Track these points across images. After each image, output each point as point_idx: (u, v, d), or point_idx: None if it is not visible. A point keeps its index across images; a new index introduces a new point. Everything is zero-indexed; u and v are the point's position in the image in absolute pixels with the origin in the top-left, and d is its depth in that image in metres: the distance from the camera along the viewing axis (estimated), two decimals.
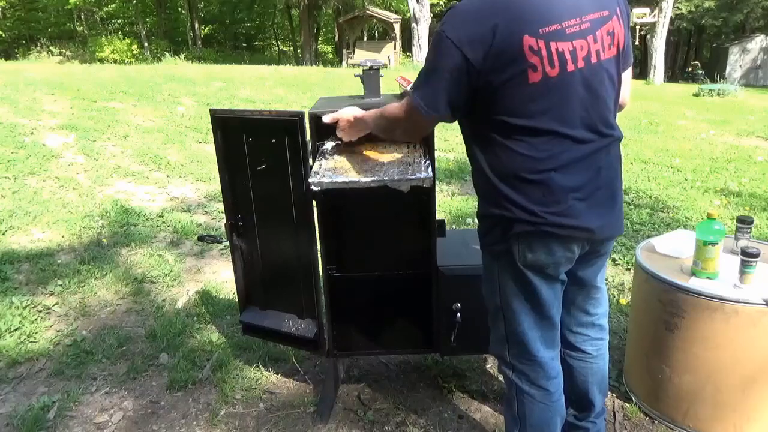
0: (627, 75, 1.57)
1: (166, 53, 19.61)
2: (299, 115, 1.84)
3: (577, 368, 1.77)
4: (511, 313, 1.54)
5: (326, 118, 1.80)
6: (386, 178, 1.69)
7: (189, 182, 5.42)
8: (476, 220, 1.60)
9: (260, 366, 2.55)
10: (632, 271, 2.83)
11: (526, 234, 1.42)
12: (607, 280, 3.37)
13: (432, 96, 1.39)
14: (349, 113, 1.76)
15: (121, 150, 6.09)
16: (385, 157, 1.84)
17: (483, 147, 1.44)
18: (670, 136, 7.86)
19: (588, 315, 1.73)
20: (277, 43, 35.91)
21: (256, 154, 2.03)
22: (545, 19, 1.31)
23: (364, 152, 1.90)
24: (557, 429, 1.67)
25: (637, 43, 22.70)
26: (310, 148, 1.92)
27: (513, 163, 1.39)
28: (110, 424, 2.23)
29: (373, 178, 1.70)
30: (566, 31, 1.33)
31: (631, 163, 6.21)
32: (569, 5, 1.35)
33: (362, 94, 2.15)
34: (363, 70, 2.11)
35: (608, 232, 1.51)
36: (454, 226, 4.28)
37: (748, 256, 1.89)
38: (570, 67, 1.34)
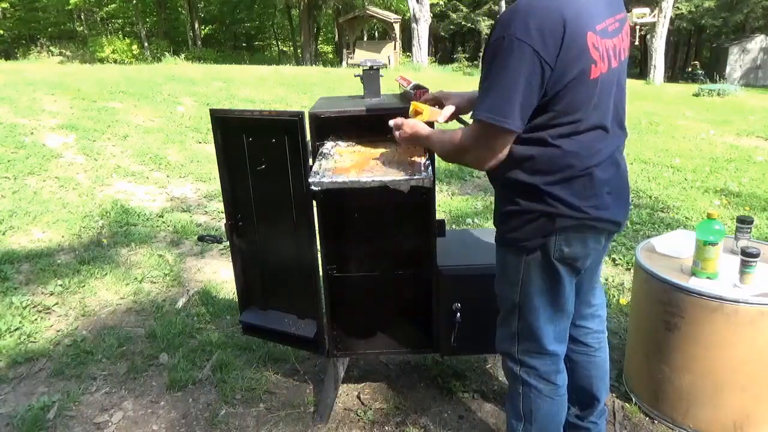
0: None
1: (166, 53, 19.59)
2: (299, 115, 1.84)
3: (581, 362, 1.79)
4: (531, 308, 1.55)
5: (391, 122, 1.70)
6: (386, 178, 1.69)
7: (189, 182, 5.42)
8: (493, 217, 1.58)
9: (260, 366, 2.55)
10: (632, 271, 2.83)
11: (567, 228, 1.43)
12: (606, 280, 3.37)
13: (509, 108, 1.31)
14: (413, 125, 1.65)
15: (121, 150, 6.09)
16: (386, 157, 1.84)
17: (526, 146, 1.41)
18: (670, 136, 7.86)
19: (589, 306, 1.76)
20: (277, 43, 35.91)
21: (256, 154, 2.03)
22: (598, 17, 1.35)
23: (364, 152, 1.89)
24: (561, 425, 1.69)
25: (637, 43, 22.69)
26: (310, 148, 1.92)
27: (561, 161, 1.39)
28: (110, 424, 2.23)
29: (373, 178, 1.70)
30: (608, 29, 1.37)
31: (631, 163, 6.21)
32: (606, 5, 1.40)
33: (362, 94, 2.15)
34: (363, 70, 2.11)
35: (626, 223, 1.59)
36: (454, 226, 4.28)
37: (748, 256, 1.89)
38: (613, 64, 1.39)
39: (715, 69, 20.92)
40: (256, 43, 35.64)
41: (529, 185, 1.43)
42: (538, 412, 1.63)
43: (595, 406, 1.84)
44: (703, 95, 13.03)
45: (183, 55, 20.06)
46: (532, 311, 1.55)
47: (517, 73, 1.28)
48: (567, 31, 1.27)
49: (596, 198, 1.42)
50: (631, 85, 17.01)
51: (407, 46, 23.50)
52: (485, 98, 1.35)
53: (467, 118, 1.65)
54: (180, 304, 3.17)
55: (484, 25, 27.68)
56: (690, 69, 25.42)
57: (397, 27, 21.74)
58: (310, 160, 1.89)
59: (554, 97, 1.33)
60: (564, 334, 1.63)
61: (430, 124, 1.70)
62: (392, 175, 1.70)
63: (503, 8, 23.09)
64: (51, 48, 26.35)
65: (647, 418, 2.19)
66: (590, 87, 1.34)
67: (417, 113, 1.69)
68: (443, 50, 33.84)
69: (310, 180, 1.72)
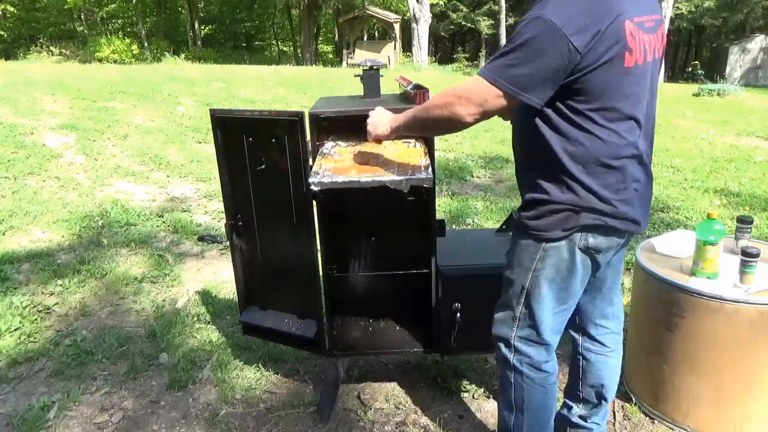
0: None
1: (166, 53, 19.59)
2: (299, 115, 1.84)
3: (595, 362, 1.80)
4: (538, 295, 1.56)
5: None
6: (386, 178, 1.69)
7: (189, 182, 5.41)
8: (521, 204, 1.55)
9: (260, 366, 2.55)
10: (632, 271, 2.83)
11: (589, 226, 1.46)
12: None
13: (525, 78, 1.32)
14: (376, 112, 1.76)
15: (121, 150, 6.09)
16: (386, 156, 1.84)
17: (561, 133, 1.41)
18: (670, 136, 7.85)
19: (611, 305, 1.78)
20: (277, 43, 35.88)
21: (256, 154, 2.03)
22: (637, 10, 1.37)
23: (364, 152, 1.89)
24: (553, 414, 1.71)
25: None
26: (310, 148, 1.92)
27: (597, 150, 1.40)
28: (110, 424, 2.23)
29: (373, 178, 1.70)
30: (645, 25, 1.40)
31: None
32: (645, 3, 1.43)
33: (362, 94, 2.15)
34: (363, 70, 2.11)
35: (645, 226, 1.58)
36: (454, 226, 4.28)
37: (748, 256, 1.89)
38: (649, 58, 1.42)
39: (715, 69, 20.93)
40: (256, 43, 35.62)
41: (560, 173, 1.43)
42: (530, 401, 1.65)
43: (601, 407, 1.85)
44: (703, 95, 13.01)
45: (183, 55, 20.03)
46: (538, 299, 1.56)
47: (543, 54, 1.29)
48: (606, 14, 1.29)
49: (626, 191, 1.45)
50: None
51: (407, 46, 23.50)
52: (504, 61, 1.32)
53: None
54: (180, 304, 3.17)
55: (484, 25, 27.69)
56: (690, 69, 25.43)
57: (397, 27, 21.73)
58: (310, 160, 1.89)
59: (583, 81, 1.33)
60: (561, 328, 1.66)
61: None
62: (392, 175, 1.70)
63: (503, 8, 23.09)
64: (51, 48, 26.33)
65: (647, 418, 2.19)
66: (622, 74, 1.35)
67: None
68: (443, 50, 33.84)
69: (310, 180, 1.72)
